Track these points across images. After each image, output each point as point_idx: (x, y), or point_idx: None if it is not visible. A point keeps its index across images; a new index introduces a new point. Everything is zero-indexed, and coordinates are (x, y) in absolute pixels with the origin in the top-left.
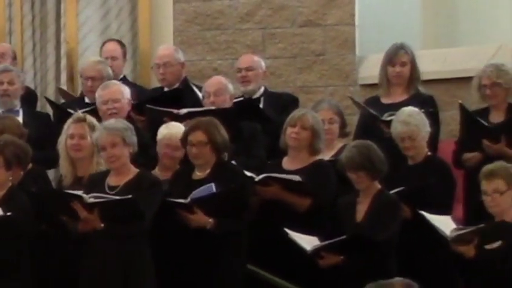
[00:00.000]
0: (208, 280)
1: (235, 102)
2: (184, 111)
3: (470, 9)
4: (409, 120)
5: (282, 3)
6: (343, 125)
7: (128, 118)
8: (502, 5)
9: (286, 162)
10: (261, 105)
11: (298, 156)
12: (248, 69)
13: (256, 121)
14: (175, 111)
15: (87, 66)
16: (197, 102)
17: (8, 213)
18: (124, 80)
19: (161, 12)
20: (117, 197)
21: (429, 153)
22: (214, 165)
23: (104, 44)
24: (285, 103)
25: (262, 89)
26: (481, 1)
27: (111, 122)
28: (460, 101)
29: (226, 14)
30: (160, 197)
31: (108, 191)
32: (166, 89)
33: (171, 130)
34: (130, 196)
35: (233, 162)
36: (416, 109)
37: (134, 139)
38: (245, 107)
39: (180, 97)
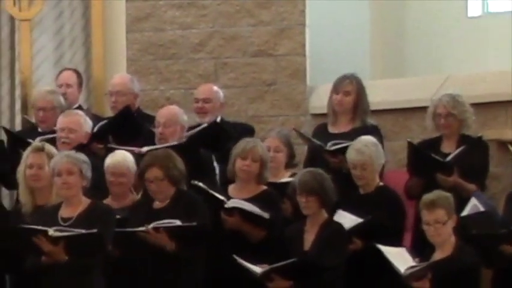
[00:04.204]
0: None
1: (199, 130)
2: (145, 149)
3: (419, 39)
4: (364, 150)
5: (233, 33)
6: (290, 155)
7: (83, 148)
8: (449, 36)
9: (233, 191)
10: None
11: (246, 187)
12: (205, 100)
13: (219, 145)
14: (136, 149)
15: (38, 97)
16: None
17: None
18: (79, 108)
19: (115, 42)
20: (83, 231)
21: (381, 184)
22: (173, 196)
23: (60, 72)
24: (241, 133)
25: (218, 119)
26: (429, 32)
27: (72, 152)
28: (408, 139)
29: (178, 43)
30: (114, 226)
31: (61, 223)
32: None
33: (114, 158)
34: (96, 230)
35: (198, 183)
36: (373, 139)
37: (89, 174)
38: (210, 133)
39: (131, 115)
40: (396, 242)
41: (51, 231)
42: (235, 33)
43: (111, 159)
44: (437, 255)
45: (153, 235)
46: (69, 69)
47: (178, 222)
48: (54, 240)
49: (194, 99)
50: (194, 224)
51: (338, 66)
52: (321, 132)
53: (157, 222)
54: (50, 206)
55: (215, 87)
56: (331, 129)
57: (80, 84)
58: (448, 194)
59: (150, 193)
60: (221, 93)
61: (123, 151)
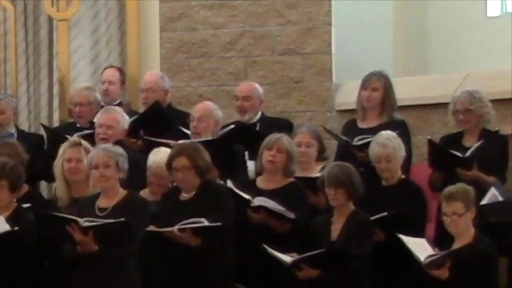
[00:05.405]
0: None
1: (231, 129)
2: (180, 143)
3: (440, 38)
4: (387, 143)
5: (263, 32)
6: (321, 149)
7: (117, 143)
8: (469, 35)
9: (261, 182)
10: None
11: (273, 178)
12: (245, 99)
13: (253, 142)
14: (172, 142)
15: (75, 92)
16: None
17: (15, 228)
18: (119, 105)
19: (149, 41)
20: (111, 220)
21: (403, 177)
22: (199, 187)
23: (104, 69)
24: (280, 127)
25: (259, 115)
26: (450, 31)
27: (109, 145)
28: (428, 137)
29: (210, 42)
30: (148, 217)
31: (98, 213)
32: None
33: (158, 158)
34: (123, 219)
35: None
36: (393, 133)
37: (126, 166)
38: (241, 133)
39: (161, 109)
40: (418, 233)
41: (81, 221)
42: (265, 33)
43: (154, 159)
44: (456, 246)
45: (178, 235)
46: (113, 66)
47: (204, 222)
48: (84, 230)
49: (234, 97)
50: (219, 224)
51: (362, 64)
52: (351, 127)
53: (183, 222)
54: (89, 196)
55: (255, 85)
56: (360, 125)
57: (122, 82)
58: (469, 188)
59: (176, 182)
60: (261, 90)
61: (167, 149)
